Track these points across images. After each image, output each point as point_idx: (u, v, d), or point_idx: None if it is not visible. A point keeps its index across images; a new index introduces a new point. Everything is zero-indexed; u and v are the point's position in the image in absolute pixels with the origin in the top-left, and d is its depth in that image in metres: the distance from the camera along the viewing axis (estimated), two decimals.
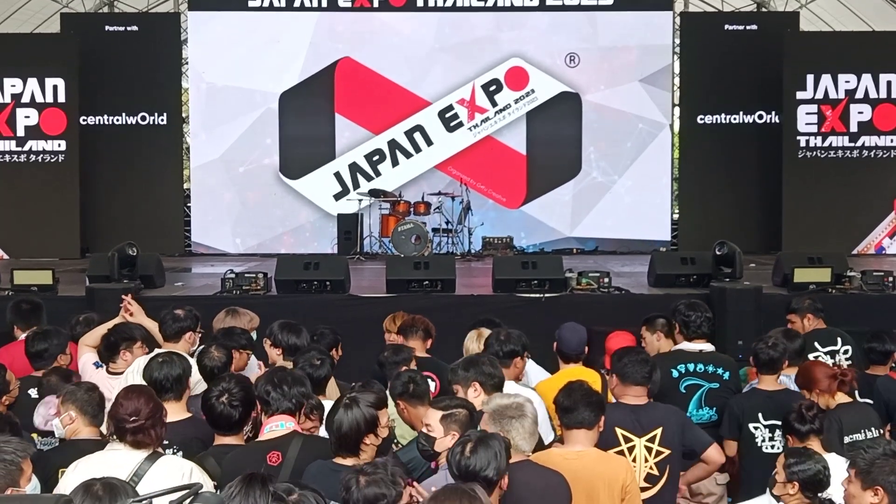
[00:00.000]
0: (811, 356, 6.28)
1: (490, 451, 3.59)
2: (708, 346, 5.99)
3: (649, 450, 4.67)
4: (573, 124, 15.66)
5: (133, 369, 5.40)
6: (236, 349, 5.84)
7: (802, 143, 14.62)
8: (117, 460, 3.90)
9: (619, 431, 4.68)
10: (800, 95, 14.55)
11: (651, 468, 4.67)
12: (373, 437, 3.92)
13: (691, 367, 5.75)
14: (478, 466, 3.55)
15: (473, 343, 5.85)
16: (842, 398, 5.25)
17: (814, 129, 14.63)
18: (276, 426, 4.23)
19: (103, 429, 4.40)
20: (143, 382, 4.90)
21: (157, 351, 5.40)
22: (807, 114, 14.59)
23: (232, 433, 4.41)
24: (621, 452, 4.64)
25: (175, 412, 4.61)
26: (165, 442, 4.39)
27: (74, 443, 4.39)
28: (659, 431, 4.70)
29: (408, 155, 15.72)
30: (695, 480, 5.12)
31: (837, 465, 4.37)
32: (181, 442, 4.53)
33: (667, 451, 4.69)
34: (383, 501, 3.29)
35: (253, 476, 3.02)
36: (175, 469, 3.94)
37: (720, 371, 5.80)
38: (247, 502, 2.91)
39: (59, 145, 14.69)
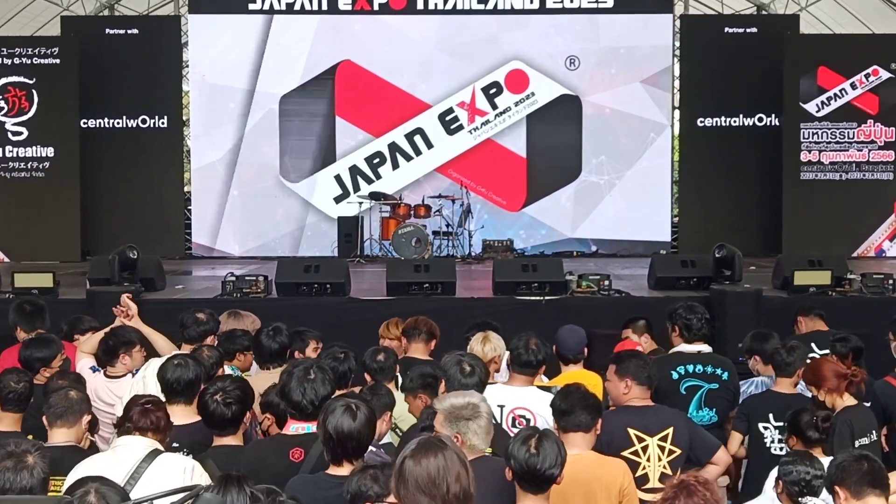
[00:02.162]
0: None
1: (554, 445, 3.64)
2: (706, 348, 5.99)
3: (662, 448, 4.67)
4: (573, 127, 15.66)
5: (147, 374, 5.36)
6: (239, 352, 5.84)
7: (802, 146, 14.62)
8: (118, 459, 3.89)
9: (631, 432, 4.68)
10: (799, 98, 14.57)
11: (664, 467, 4.66)
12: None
13: (690, 368, 5.75)
14: (548, 463, 3.60)
15: (478, 345, 5.80)
16: (849, 400, 5.24)
17: (814, 131, 14.64)
18: (303, 428, 4.23)
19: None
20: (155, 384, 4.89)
21: (174, 352, 5.35)
22: (806, 116, 14.60)
23: (227, 433, 4.39)
24: (635, 453, 4.64)
25: (185, 415, 4.57)
26: (176, 445, 4.39)
27: None
28: (670, 431, 4.71)
29: (408, 158, 15.72)
30: None
31: None
32: (191, 445, 4.48)
33: (678, 451, 4.69)
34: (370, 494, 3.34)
35: (229, 476, 3.01)
36: (177, 467, 3.92)
37: (719, 372, 5.80)
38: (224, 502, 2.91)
39: (60, 148, 14.70)
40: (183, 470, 3.90)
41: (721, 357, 6.15)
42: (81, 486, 3.09)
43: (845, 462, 3.75)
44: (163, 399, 4.90)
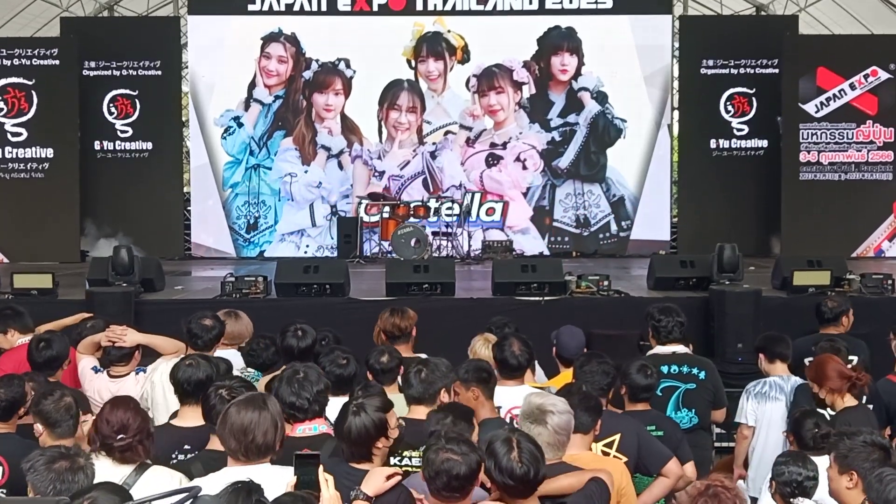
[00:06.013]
0: (806, 361, 6.27)
1: (532, 446, 3.46)
2: (681, 348, 5.94)
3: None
4: (573, 127, 15.67)
5: (154, 378, 5.35)
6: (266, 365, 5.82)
7: (801, 147, 14.62)
8: (103, 473, 3.77)
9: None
10: (798, 99, 14.57)
11: None
12: (384, 440, 3.84)
13: (665, 369, 5.70)
14: (535, 469, 3.42)
15: (482, 348, 5.74)
16: (850, 400, 5.19)
17: (813, 131, 14.64)
18: (310, 429, 4.20)
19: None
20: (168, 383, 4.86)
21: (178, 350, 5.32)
22: (805, 117, 14.61)
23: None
24: None
25: (196, 418, 4.44)
26: (187, 447, 4.32)
27: None
28: (617, 437, 4.62)
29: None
30: (654, 499, 4.71)
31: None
32: (201, 447, 4.33)
33: (624, 459, 4.58)
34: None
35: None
36: (165, 480, 3.83)
37: (695, 371, 5.77)
38: None
39: (59, 149, 14.69)
40: (170, 478, 3.84)
41: (698, 357, 6.12)
42: (85, 492, 3.07)
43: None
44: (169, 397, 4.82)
